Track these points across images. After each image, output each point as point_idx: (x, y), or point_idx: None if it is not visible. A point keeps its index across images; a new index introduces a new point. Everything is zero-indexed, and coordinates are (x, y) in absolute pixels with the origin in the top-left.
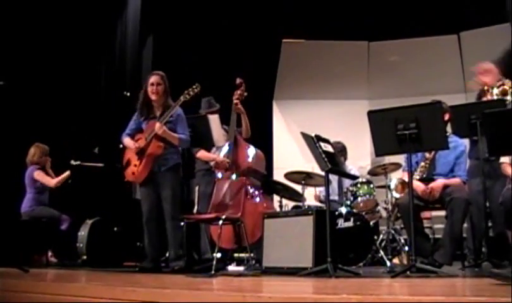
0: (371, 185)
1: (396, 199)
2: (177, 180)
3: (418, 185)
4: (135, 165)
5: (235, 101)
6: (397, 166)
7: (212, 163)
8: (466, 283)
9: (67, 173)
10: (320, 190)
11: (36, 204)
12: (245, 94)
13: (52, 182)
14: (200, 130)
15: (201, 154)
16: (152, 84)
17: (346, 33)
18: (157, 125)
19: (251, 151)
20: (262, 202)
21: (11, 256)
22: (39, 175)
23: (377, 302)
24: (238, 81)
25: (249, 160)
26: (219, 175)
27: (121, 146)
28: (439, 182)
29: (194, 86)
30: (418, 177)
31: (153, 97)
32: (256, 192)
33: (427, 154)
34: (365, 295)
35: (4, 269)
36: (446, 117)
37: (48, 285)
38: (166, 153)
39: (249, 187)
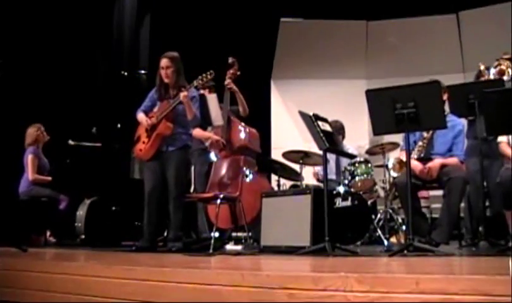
0: (369, 165)
1: (394, 178)
2: (183, 161)
3: (416, 165)
4: (143, 142)
5: (227, 80)
6: (395, 145)
7: (207, 143)
8: (463, 261)
9: (48, 178)
10: (318, 168)
11: (34, 185)
12: (238, 73)
13: (32, 175)
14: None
15: (197, 132)
16: (162, 68)
17: (344, 13)
18: (183, 94)
19: (245, 129)
20: (257, 181)
21: (10, 236)
22: (30, 161)
23: (374, 284)
24: (231, 60)
25: (243, 138)
26: (212, 156)
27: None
28: (436, 161)
29: (208, 73)
30: (415, 157)
31: (165, 80)
32: (252, 171)
33: (425, 134)
34: (362, 273)
35: (3, 248)
36: (444, 96)
37: (47, 264)
38: (175, 133)
39: (244, 167)
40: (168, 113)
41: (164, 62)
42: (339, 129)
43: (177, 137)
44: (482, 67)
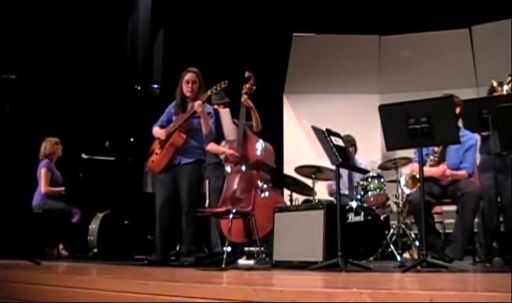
0: (382, 180)
1: (407, 195)
2: (196, 175)
3: (434, 171)
4: (156, 154)
5: (244, 95)
6: (408, 161)
7: (221, 156)
8: (477, 278)
9: (62, 188)
10: (330, 184)
11: (47, 198)
12: (254, 88)
13: (45, 187)
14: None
15: (211, 147)
16: (188, 82)
17: (356, 27)
18: (197, 102)
19: (260, 144)
20: (271, 196)
21: (23, 249)
22: (42, 174)
23: (387, 300)
24: (247, 74)
25: (259, 153)
26: (228, 169)
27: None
28: (447, 170)
29: (222, 82)
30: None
31: (188, 94)
32: (266, 186)
33: (436, 148)
34: (375, 289)
35: (16, 261)
36: (457, 110)
37: (60, 277)
38: (188, 146)
39: (259, 181)
40: (182, 124)
41: (190, 76)
42: (350, 143)
43: (190, 150)
44: (495, 84)
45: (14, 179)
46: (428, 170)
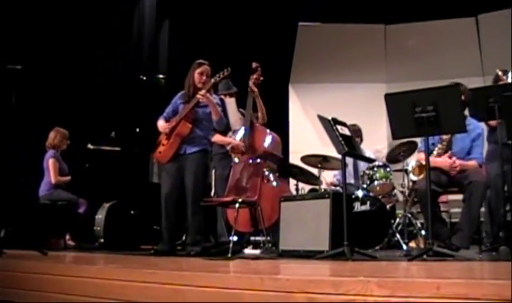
0: (388, 169)
1: (413, 182)
2: (201, 165)
3: (443, 161)
4: (163, 145)
5: (251, 85)
6: (414, 145)
7: (228, 147)
8: (484, 266)
9: (68, 177)
10: (335, 174)
11: (54, 188)
12: (261, 78)
13: (55, 178)
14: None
15: (217, 138)
16: (201, 74)
17: (362, 16)
18: (201, 92)
19: (268, 134)
20: (278, 186)
21: (30, 239)
22: (51, 164)
23: (394, 288)
24: (254, 65)
25: (266, 143)
26: (236, 160)
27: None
28: (457, 161)
29: (225, 69)
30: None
31: (199, 86)
32: (273, 176)
33: (444, 136)
34: (382, 277)
35: (24, 251)
36: (463, 98)
37: (67, 267)
38: (194, 136)
39: (265, 171)
40: (187, 114)
41: (205, 69)
42: (356, 132)
43: (196, 140)
44: (500, 73)
45: (20, 169)
46: (437, 161)
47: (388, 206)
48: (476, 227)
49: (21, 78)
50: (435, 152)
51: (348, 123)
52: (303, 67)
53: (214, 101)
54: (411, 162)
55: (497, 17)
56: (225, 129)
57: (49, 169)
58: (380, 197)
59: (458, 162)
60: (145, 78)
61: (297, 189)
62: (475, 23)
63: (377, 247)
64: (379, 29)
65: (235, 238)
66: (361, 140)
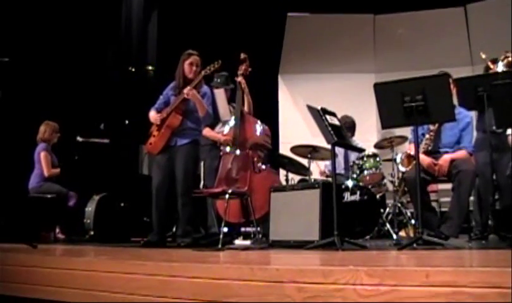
0: (378, 159)
1: (403, 173)
2: (192, 156)
3: (424, 159)
4: (154, 136)
5: (239, 76)
6: (403, 139)
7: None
8: (473, 254)
9: (58, 170)
10: (326, 164)
11: (44, 181)
12: (249, 69)
13: (48, 171)
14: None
15: (206, 132)
16: (191, 64)
17: (351, 6)
18: (186, 89)
19: (258, 126)
20: (268, 177)
21: (20, 232)
22: (43, 157)
23: (384, 277)
24: (243, 56)
25: (256, 134)
26: (227, 148)
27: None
28: (446, 157)
29: (216, 62)
30: (423, 150)
31: (190, 76)
32: (263, 167)
33: (431, 127)
34: (372, 266)
35: (13, 245)
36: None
37: (57, 260)
38: (185, 127)
39: (255, 161)
40: (178, 106)
41: (195, 59)
42: (350, 126)
43: (186, 131)
44: (489, 62)
45: (9, 163)
46: (423, 160)
47: (378, 196)
48: (465, 216)
49: (8, 71)
50: (424, 142)
51: (338, 113)
52: (292, 58)
53: (200, 97)
54: (399, 154)
55: (486, 6)
56: (214, 121)
57: (41, 162)
58: (370, 186)
59: (449, 157)
60: (133, 70)
61: (287, 180)
62: (463, 13)
63: (367, 237)
64: (368, 19)
65: (225, 229)
66: (353, 134)
